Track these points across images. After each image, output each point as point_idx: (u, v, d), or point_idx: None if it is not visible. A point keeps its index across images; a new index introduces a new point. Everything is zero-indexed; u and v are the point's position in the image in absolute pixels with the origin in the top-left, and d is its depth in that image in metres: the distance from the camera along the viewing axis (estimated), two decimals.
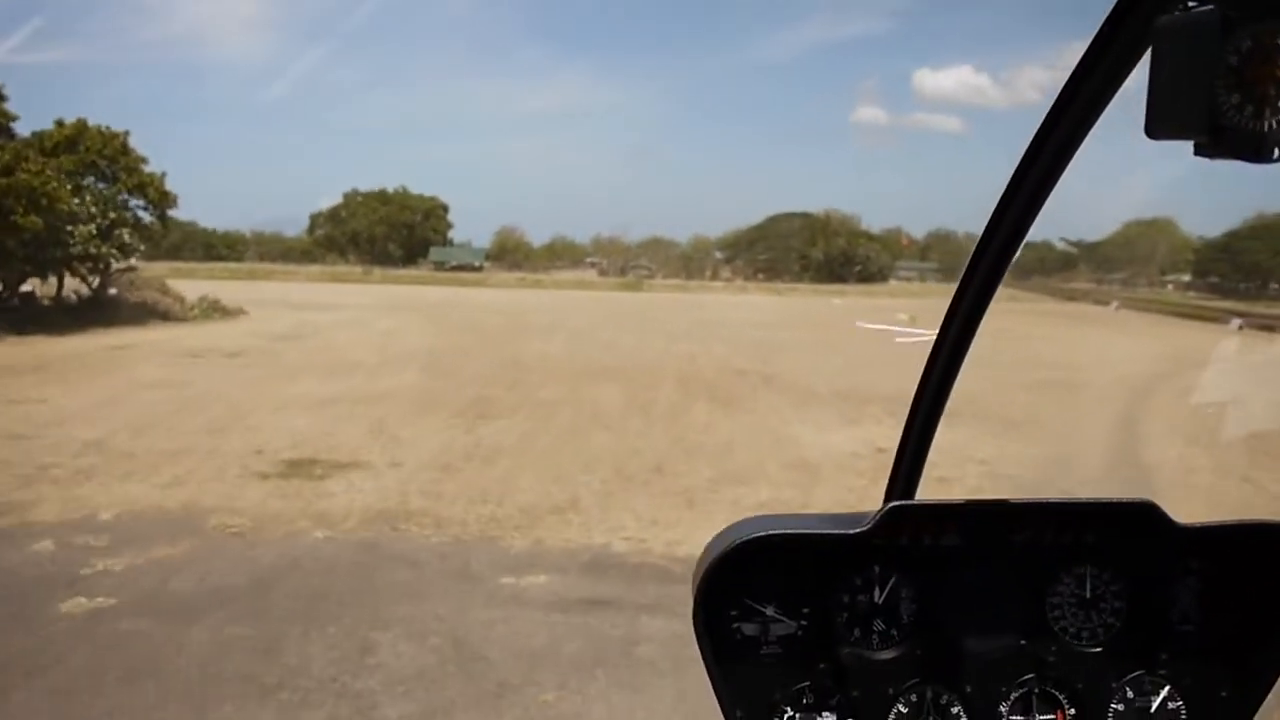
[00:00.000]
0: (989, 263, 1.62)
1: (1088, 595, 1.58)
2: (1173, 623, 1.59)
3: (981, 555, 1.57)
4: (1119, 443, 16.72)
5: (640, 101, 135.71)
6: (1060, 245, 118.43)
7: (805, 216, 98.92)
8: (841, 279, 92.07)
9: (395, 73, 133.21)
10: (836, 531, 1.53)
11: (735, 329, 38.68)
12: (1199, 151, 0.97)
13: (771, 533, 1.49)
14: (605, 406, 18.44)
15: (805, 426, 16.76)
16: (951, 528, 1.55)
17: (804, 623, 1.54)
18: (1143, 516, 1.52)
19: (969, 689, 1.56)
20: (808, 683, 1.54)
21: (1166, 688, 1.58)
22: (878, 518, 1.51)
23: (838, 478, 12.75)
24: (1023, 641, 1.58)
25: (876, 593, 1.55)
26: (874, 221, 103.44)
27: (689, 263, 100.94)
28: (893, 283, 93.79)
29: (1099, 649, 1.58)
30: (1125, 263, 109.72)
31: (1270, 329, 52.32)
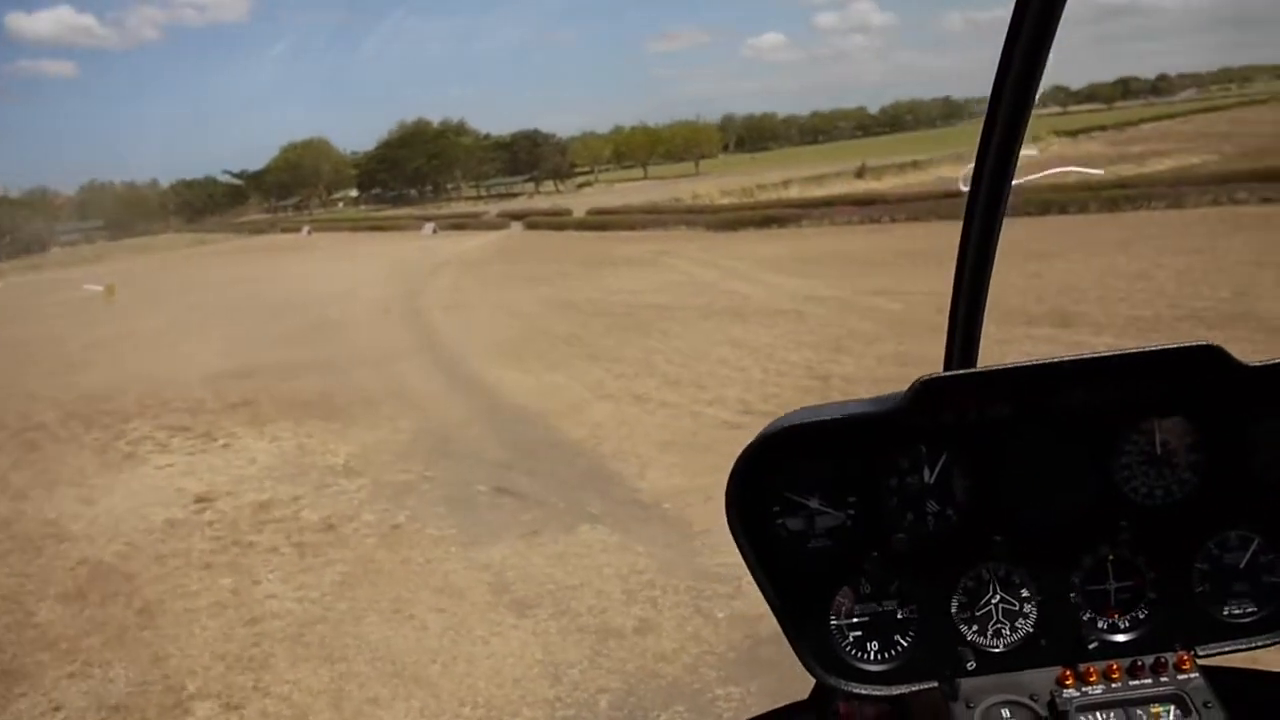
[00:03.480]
0: (1011, 96, 1.47)
1: (1158, 452, 1.41)
2: (1257, 472, 1.42)
3: (1035, 422, 1.40)
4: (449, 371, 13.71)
5: None
6: (224, 179, 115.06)
7: None
8: None
9: None
10: (868, 412, 1.39)
11: None
12: None
13: (798, 423, 1.38)
14: None
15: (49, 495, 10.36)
16: (997, 397, 1.40)
17: (852, 512, 1.43)
18: (1207, 360, 1.35)
19: (1036, 563, 1.44)
20: (862, 573, 1.44)
21: (1257, 540, 1.43)
22: (907, 394, 1.37)
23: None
24: (1090, 508, 1.43)
25: (926, 473, 1.42)
26: (10, 184, 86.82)
27: None
28: (56, 250, 79.60)
29: (1175, 508, 1.43)
30: (294, 187, 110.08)
31: (461, 227, 55.66)
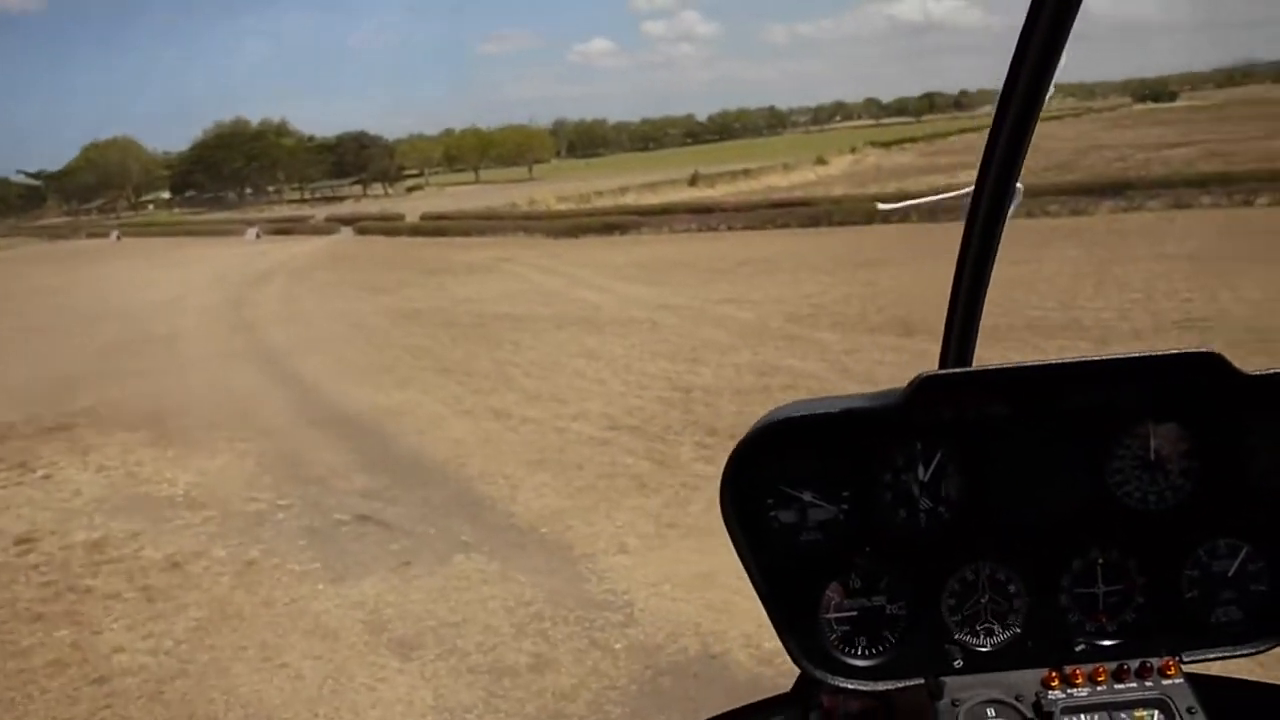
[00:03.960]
0: (1019, 104, 1.48)
1: (1152, 457, 1.42)
2: (1251, 480, 1.43)
3: (1031, 423, 1.41)
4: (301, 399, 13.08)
5: None
6: (19, 179, 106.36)
7: None
8: None
9: None
10: (866, 407, 1.40)
11: None
12: None
13: (794, 415, 1.40)
14: None
15: None
16: (995, 396, 1.41)
17: (845, 506, 1.43)
18: (1206, 367, 1.36)
19: (1026, 563, 1.45)
20: (853, 568, 1.45)
21: (1246, 548, 1.44)
22: (906, 390, 1.38)
23: None
24: (1082, 511, 1.44)
25: (921, 470, 1.43)
26: None
27: None
28: None
29: (1167, 514, 1.43)
30: (98, 188, 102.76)
31: (287, 232, 53.38)
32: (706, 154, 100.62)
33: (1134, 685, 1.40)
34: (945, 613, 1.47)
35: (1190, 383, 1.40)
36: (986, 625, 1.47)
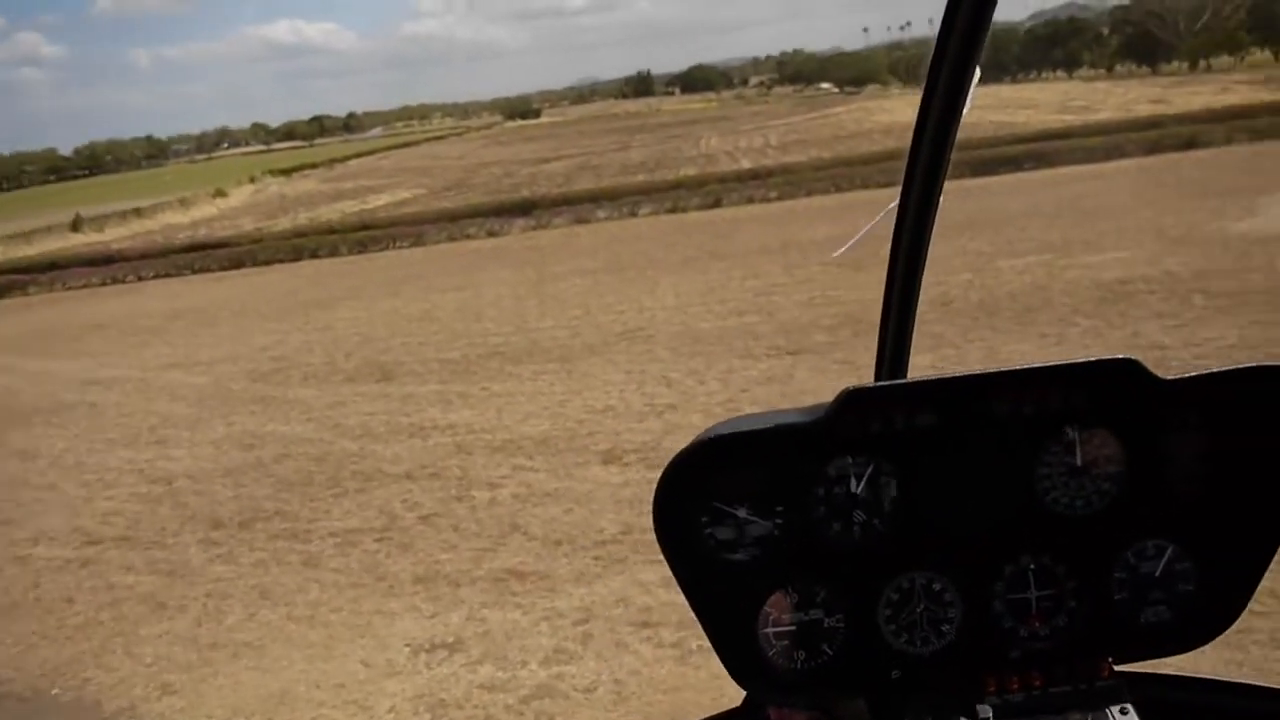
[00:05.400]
0: (939, 109, 1.52)
1: (1078, 463, 1.46)
2: (1174, 482, 1.48)
3: (960, 433, 1.45)
4: None
5: None
6: None
7: None
8: None
9: None
10: (796, 422, 1.44)
11: None
12: None
13: (725, 433, 1.43)
14: None
15: None
16: (921, 407, 1.44)
17: (779, 521, 1.45)
18: (1126, 373, 1.42)
19: (960, 572, 1.49)
20: (790, 582, 1.48)
21: (1171, 549, 1.49)
22: (833, 405, 1.42)
23: None
24: (1012, 517, 1.48)
25: (853, 483, 1.46)
26: None
27: None
28: None
29: (1095, 518, 1.48)
30: None
31: None
32: (80, 192, 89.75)
33: (1067, 688, 1.45)
34: (882, 623, 1.50)
35: (1111, 389, 1.45)
36: (923, 634, 1.50)
